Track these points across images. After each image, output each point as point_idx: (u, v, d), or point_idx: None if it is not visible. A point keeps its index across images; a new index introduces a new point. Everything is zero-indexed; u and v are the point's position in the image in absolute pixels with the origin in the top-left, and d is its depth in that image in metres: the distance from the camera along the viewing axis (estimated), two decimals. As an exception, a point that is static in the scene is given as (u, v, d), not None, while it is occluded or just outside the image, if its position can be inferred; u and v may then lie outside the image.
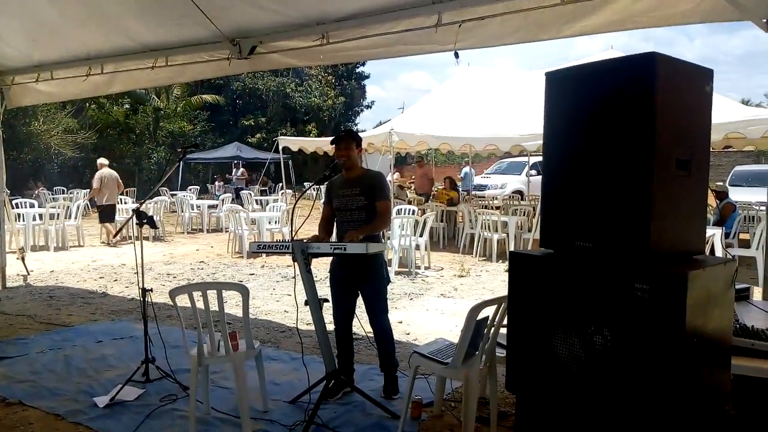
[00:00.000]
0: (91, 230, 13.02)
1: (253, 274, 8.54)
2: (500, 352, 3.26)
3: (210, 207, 14.83)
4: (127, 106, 26.41)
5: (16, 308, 6.44)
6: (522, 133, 9.45)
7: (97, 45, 6.20)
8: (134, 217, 4.11)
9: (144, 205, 9.86)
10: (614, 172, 2.06)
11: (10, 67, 7.15)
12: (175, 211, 15.08)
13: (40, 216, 11.18)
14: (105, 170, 11.65)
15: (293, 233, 3.57)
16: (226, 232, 12.22)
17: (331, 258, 3.85)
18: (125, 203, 13.70)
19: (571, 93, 2.20)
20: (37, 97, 7.84)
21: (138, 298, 6.86)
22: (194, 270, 8.89)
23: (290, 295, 6.96)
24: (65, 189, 19.11)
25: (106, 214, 11.55)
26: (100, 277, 8.28)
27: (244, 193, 16.75)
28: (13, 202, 10.84)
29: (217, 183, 21.94)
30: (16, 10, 5.91)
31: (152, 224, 4.33)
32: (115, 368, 4.51)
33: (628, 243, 2.03)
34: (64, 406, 3.81)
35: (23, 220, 10.63)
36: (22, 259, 8.10)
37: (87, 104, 23.90)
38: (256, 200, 16.67)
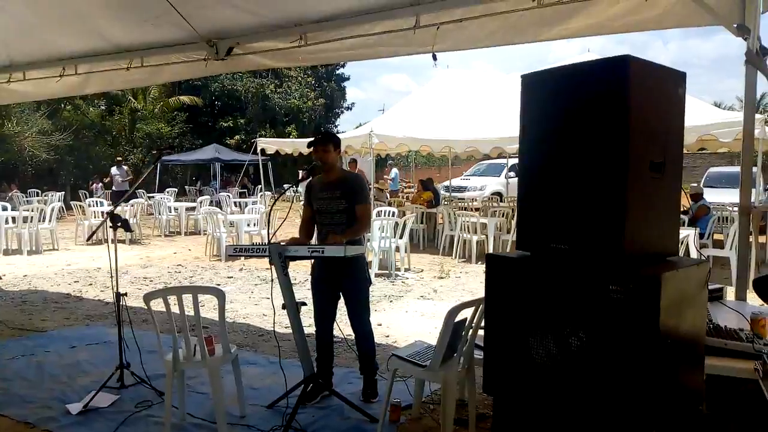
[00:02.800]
0: (66, 233, 12.80)
1: (232, 277, 8.46)
2: (478, 355, 3.26)
3: (188, 209, 14.67)
4: (103, 107, 26.06)
5: (-13, 313, 6.30)
6: (501, 136, 9.50)
7: (70, 45, 6.07)
8: (108, 220, 4.04)
9: (119, 208, 9.77)
10: (588, 175, 2.07)
11: (-20, 67, 6.99)
12: (153, 214, 14.89)
13: (14, 219, 10.95)
14: None
15: (270, 236, 3.54)
16: (204, 234, 12.09)
17: (311, 261, 3.83)
18: (100, 205, 13.48)
19: (546, 96, 2.21)
20: (10, 96, 7.68)
21: (112, 302, 6.76)
22: (171, 273, 8.77)
23: (269, 299, 6.90)
24: (39, 191, 18.76)
25: None
26: (75, 281, 8.13)
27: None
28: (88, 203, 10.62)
29: (95, 185, 19.31)
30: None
31: (127, 227, 4.26)
32: (89, 374, 4.42)
33: (603, 245, 2.05)
34: (35, 413, 3.73)
35: (-5, 223, 10.41)
36: (-5, 263, 7.94)
37: (62, 105, 23.54)
38: (235, 202, 16.55)
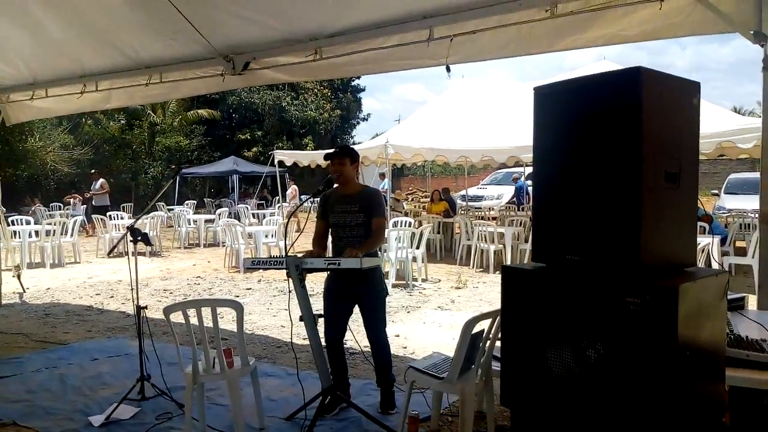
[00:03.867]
0: (88, 246, 12.99)
1: (250, 288, 8.52)
2: (496, 366, 3.25)
3: (207, 221, 14.83)
4: (123, 121, 26.47)
5: (12, 326, 6.41)
6: (518, 144, 9.49)
7: (92, 62, 6.20)
8: (128, 234, 4.11)
9: (139, 221, 9.82)
10: (603, 186, 2.07)
11: (5, 84, 7.16)
12: (172, 226, 15.06)
13: (37, 233, 11.16)
14: None
15: (287, 248, 3.57)
16: (223, 246, 12.20)
17: (326, 273, 3.85)
18: (121, 218, 13.67)
19: (559, 108, 2.22)
20: (34, 113, 7.86)
21: (133, 315, 6.85)
22: (191, 285, 8.86)
23: (287, 310, 6.92)
24: (62, 205, 19.07)
25: None
26: (97, 294, 8.25)
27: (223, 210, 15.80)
28: (10, 219, 10.81)
29: (72, 200, 18.07)
30: (11, 29, 5.94)
31: (147, 241, 4.33)
32: (111, 386, 4.48)
33: (619, 256, 2.04)
34: (59, 425, 3.79)
35: (19, 237, 10.61)
36: (18, 276, 8.08)
37: (83, 120, 23.96)
38: (253, 214, 16.68)
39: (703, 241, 7.32)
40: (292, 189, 18.09)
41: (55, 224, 11.13)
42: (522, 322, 2.29)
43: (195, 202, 21.28)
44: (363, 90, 36.90)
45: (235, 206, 19.45)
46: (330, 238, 3.96)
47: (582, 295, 2.11)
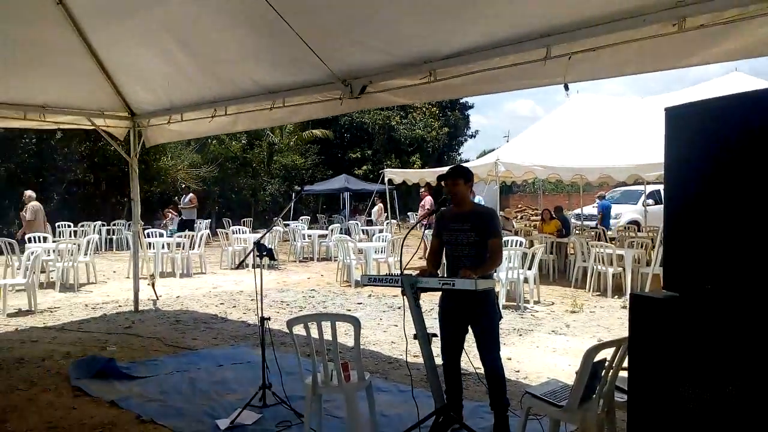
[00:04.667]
0: (212, 258, 13.93)
1: (361, 303, 8.73)
2: (619, 397, 3.10)
3: (320, 237, 15.40)
4: (244, 141, 28.22)
5: (147, 331, 7.01)
6: (639, 162, 9.01)
7: (221, 89, 6.72)
8: (255, 249, 4.39)
9: (258, 235, 10.39)
10: (745, 212, 1.93)
11: (147, 110, 7.94)
12: (288, 240, 15.80)
13: (168, 245, 12.17)
14: (36, 203, 11.22)
15: (402, 266, 3.63)
16: (335, 261, 12.61)
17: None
18: (243, 233, 14.55)
19: (694, 130, 2.10)
20: (170, 135, 8.63)
21: (254, 324, 7.26)
22: (306, 298, 9.23)
23: (397, 326, 7.03)
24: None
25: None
26: (221, 303, 8.83)
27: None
28: (145, 231, 11.88)
29: (170, 214, 17.76)
30: (153, 61, 6.60)
31: (271, 256, 4.59)
32: (235, 392, 4.77)
33: (762, 286, 1.89)
34: (189, 426, 4.09)
35: (153, 249, 11.61)
36: (152, 284, 8.82)
37: (209, 140, 25.83)
38: (363, 230, 17.09)
39: None
40: (378, 207, 18.39)
41: (184, 237, 12.09)
42: (653, 353, 2.18)
43: (309, 217, 22.17)
44: (471, 107, 36.81)
45: (345, 222, 20.05)
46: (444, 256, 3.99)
47: (721, 326, 1.97)
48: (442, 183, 3.91)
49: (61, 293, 9.62)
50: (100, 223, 16.69)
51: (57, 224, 15.48)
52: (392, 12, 4.67)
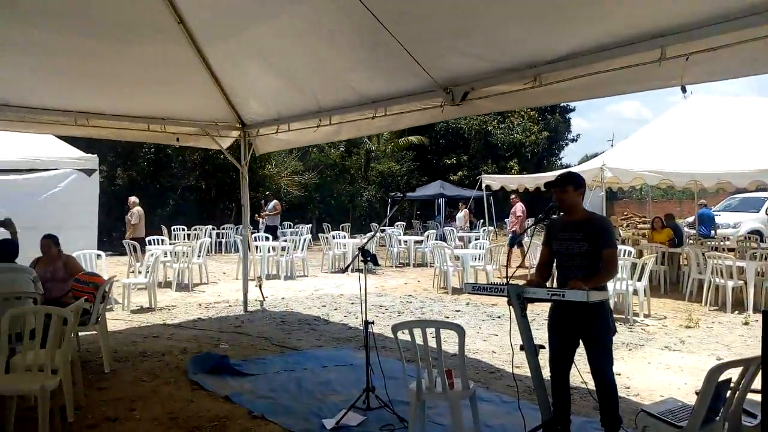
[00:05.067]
0: (313, 261, 14.39)
1: (459, 310, 8.68)
2: (747, 421, 2.88)
3: (416, 242, 15.49)
4: (342, 148, 29.01)
5: (256, 330, 7.37)
6: (762, 168, 8.33)
7: (326, 99, 6.96)
8: (360, 255, 4.51)
9: (356, 240, 10.64)
10: None
11: (257, 121, 8.37)
12: (384, 246, 16.04)
13: (273, 248, 12.73)
14: (140, 208, 11.90)
15: (508, 276, 3.58)
16: (431, 267, 12.63)
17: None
18: (342, 237, 14.91)
19: None
20: (277, 144, 9.07)
21: (355, 327, 7.44)
22: (403, 303, 9.32)
23: (497, 335, 6.94)
24: (291, 224, 21.46)
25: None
26: (323, 306, 9.11)
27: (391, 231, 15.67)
28: (253, 236, 12.50)
29: (261, 220, 17.53)
30: (263, 75, 6.95)
31: (375, 262, 4.70)
32: (339, 393, 4.90)
33: None
34: (297, 424, 4.26)
35: (260, 252, 12.20)
36: (260, 286, 9.26)
37: (310, 148, 26.79)
38: (459, 237, 16.99)
39: None
40: (464, 213, 17.94)
41: (288, 241, 12.60)
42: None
43: (404, 223, 22.37)
44: (573, 110, 35.66)
45: (441, 228, 20.02)
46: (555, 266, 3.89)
47: None
48: (551, 190, 3.81)
49: (177, 292, 10.33)
50: (210, 226, 17.74)
51: (172, 227, 16.66)
52: (494, 17, 4.63)
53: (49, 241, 6.04)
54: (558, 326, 3.76)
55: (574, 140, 37.20)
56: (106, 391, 4.99)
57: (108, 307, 6.63)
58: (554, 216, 3.88)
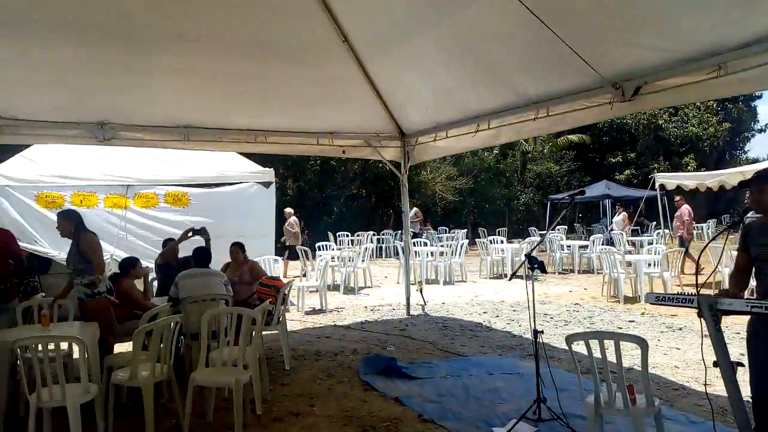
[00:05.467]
0: (470, 267, 14.34)
1: (633, 321, 8.10)
2: None
3: (581, 247, 14.76)
4: (497, 151, 28.58)
5: (419, 334, 7.52)
6: None
7: (485, 103, 6.90)
8: (526, 262, 4.41)
9: (513, 246, 10.43)
10: None
11: (415, 130, 8.56)
12: (545, 251, 15.50)
13: (432, 253, 12.92)
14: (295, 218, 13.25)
15: (698, 285, 3.27)
16: (598, 274, 11.96)
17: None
18: (499, 243, 14.68)
19: None
20: (435, 152, 9.19)
21: (519, 335, 7.28)
22: (570, 312, 8.93)
23: (679, 349, 6.37)
24: (447, 229, 21.61)
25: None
26: (484, 312, 9.04)
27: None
28: (414, 240, 12.80)
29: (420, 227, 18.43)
30: (419, 83, 7.11)
31: (543, 269, 4.57)
32: (507, 402, 4.83)
33: None
34: (467, 430, 4.28)
35: (419, 257, 12.45)
36: (421, 290, 9.45)
37: (464, 153, 26.79)
38: (629, 241, 15.88)
39: None
40: (623, 216, 16.25)
41: (445, 246, 12.71)
42: None
43: (566, 227, 21.42)
44: (759, 97, 31.65)
45: (607, 232, 18.84)
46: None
47: None
48: (746, 190, 3.42)
49: (344, 295, 10.91)
50: (371, 232, 18.48)
51: (337, 234, 17.62)
52: (668, 6, 4.29)
53: (237, 248, 6.74)
54: (762, 340, 3.34)
55: (762, 131, 32.92)
56: (288, 387, 5.42)
57: (283, 308, 7.20)
58: (751, 219, 3.47)
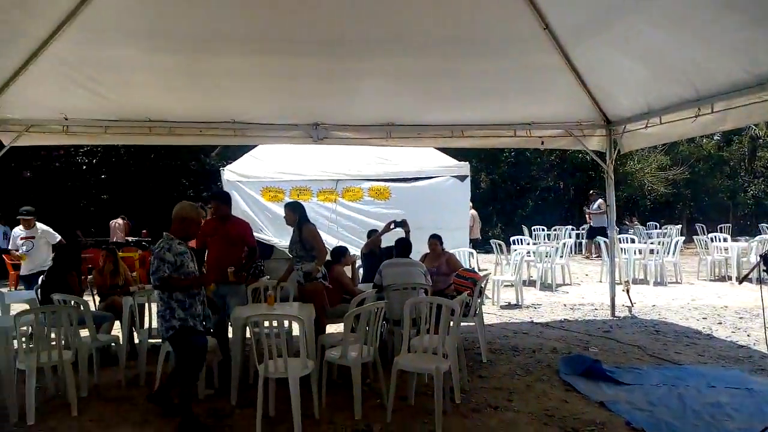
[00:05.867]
0: (686, 267, 12.94)
1: None
2: None
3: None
4: (718, 137, 25.28)
5: (626, 338, 6.99)
6: None
7: (708, 83, 6.14)
8: (762, 263, 3.86)
9: (739, 245, 9.21)
10: None
11: (623, 116, 7.94)
12: (780, 251, 13.36)
13: (640, 251, 11.92)
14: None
15: None
16: None
17: None
18: (723, 240, 13.03)
19: None
20: (646, 140, 8.42)
21: (747, 346, 6.40)
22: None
23: None
24: (657, 224, 19.74)
25: None
26: (703, 318, 8.11)
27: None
28: (619, 236, 11.94)
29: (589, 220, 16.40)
30: (631, 62, 6.53)
31: (782, 271, 3.95)
32: (733, 420, 4.30)
33: None
34: (683, 444, 3.89)
35: (626, 254, 11.57)
36: (627, 291, 8.78)
37: (680, 140, 24.18)
38: None
39: None
40: None
41: (657, 243, 11.63)
42: None
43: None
44: None
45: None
46: None
47: None
48: None
49: (541, 291, 10.59)
50: (570, 227, 17.62)
51: (533, 228, 17.13)
52: None
53: (436, 240, 6.93)
54: None
55: None
56: (486, 380, 5.43)
57: (480, 301, 7.22)
58: None
